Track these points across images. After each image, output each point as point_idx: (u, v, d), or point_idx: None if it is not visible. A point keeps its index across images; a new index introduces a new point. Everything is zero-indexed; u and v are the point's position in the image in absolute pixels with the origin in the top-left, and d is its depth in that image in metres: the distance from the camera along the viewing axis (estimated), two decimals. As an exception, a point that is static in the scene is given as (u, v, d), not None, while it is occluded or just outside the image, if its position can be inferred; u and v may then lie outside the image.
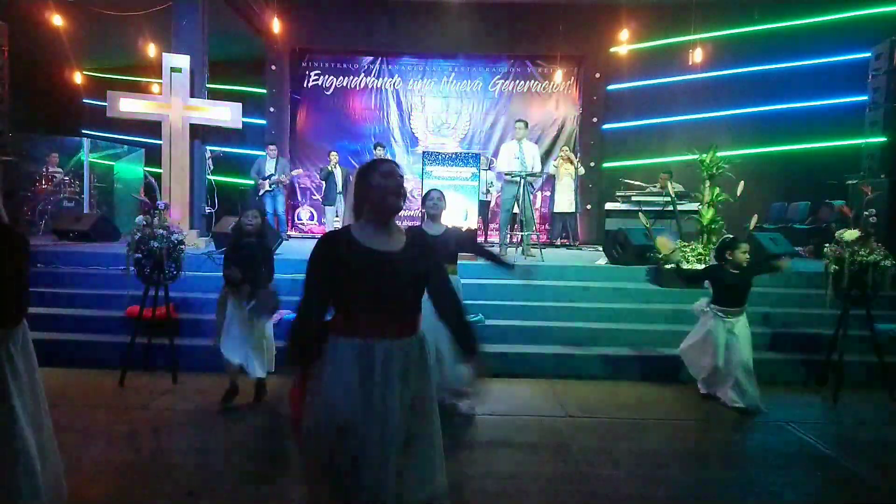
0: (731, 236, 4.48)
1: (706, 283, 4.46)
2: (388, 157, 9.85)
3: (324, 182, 10.05)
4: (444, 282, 2.14)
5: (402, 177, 2.04)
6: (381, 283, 1.91)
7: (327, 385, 1.92)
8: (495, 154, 10.98)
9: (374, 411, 1.89)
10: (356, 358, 1.90)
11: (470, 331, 2.14)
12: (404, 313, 1.99)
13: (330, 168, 9.76)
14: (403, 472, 1.94)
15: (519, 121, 8.01)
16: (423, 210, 4.07)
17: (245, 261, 3.91)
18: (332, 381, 1.91)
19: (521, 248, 7.33)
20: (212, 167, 9.47)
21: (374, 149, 9.84)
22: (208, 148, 9.53)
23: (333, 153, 9.96)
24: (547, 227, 10.54)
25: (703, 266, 4.56)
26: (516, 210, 7.45)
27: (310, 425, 1.92)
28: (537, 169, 7.91)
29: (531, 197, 7.92)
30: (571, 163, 9.34)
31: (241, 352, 3.91)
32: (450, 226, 4.12)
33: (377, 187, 1.96)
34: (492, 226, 10.17)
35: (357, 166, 2.09)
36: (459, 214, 7.15)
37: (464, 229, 5.74)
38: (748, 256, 4.28)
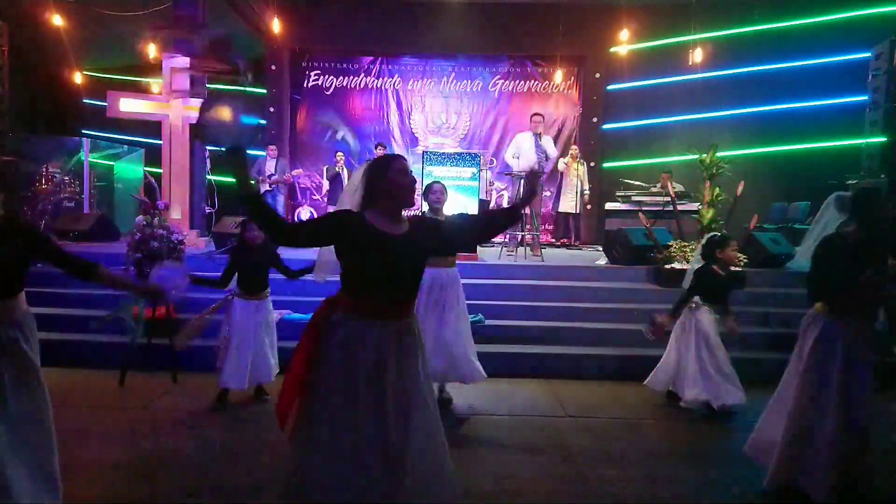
0: (720, 234, 4.38)
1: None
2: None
3: (328, 182, 9.99)
4: (457, 221, 2.33)
5: (411, 172, 2.17)
6: (384, 261, 2.03)
7: (326, 363, 2.03)
8: (495, 154, 10.99)
9: (369, 391, 1.99)
10: (354, 335, 2.02)
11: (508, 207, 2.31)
12: (404, 294, 2.12)
13: (337, 169, 9.71)
14: (410, 471, 1.98)
15: (537, 114, 8.01)
16: (426, 202, 4.13)
17: (254, 269, 4.01)
18: (331, 359, 2.02)
19: (527, 247, 7.35)
20: (210, 166, 9.46)
21: (375, 148, 9.81)
22: (208, 148, 9.52)
23: (340, 153, 9.94)
24: (549, 226, 10.54)
25: (689, 269, 4.40)
26: (525, 210, 7.43)
27: (307, 410, 2.04)
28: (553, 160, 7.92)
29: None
30: (578, 162, 9.35)
31: (243, 374, 3.92)
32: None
33: (394, 184, 2.09)
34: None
35: (366, 161, 2.23)
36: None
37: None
38: (738, 254, 4.19)
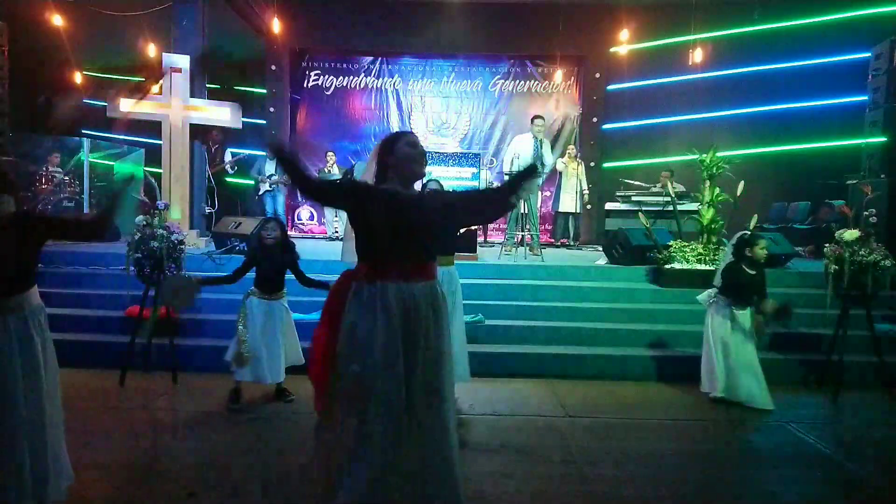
0: (749, 232, 4.44)
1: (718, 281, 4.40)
2: None
3: None
4: (465, 198, 2.37)
5: (420, 145, 2.25)
6: (400, 219, 2.06)
7: (348, 328, 2.07)
8: (495, 154, 10.98)
9: (390, 354, 2.00)
10: (377, 296, 2.04)
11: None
12: (420, 255, 2.13)
13: (327, 169, 9.71)
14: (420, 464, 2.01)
15: (538, 117, 7.95)
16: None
17: (269, 269, 4.04)
18: (352, 324, 2.06)
19: (526, 247, 7.35)
20: (235, 169, 9.57)
21: None
22: (229, 150, 9.58)
23: (331, 153, 9.93)
24: (548, 226, 10.53)
25: (719, 268, 4.50)
26: (524, 210, 7.41)
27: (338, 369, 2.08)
28: (549, 168, 7.89)
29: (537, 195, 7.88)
30: (577, 161, 9.35)
31: (255, 368, 3.92)
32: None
33: (404, 155, 2.15)
34: (491, 225, 10.15)
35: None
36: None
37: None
38: (766, 252, 4.27)
